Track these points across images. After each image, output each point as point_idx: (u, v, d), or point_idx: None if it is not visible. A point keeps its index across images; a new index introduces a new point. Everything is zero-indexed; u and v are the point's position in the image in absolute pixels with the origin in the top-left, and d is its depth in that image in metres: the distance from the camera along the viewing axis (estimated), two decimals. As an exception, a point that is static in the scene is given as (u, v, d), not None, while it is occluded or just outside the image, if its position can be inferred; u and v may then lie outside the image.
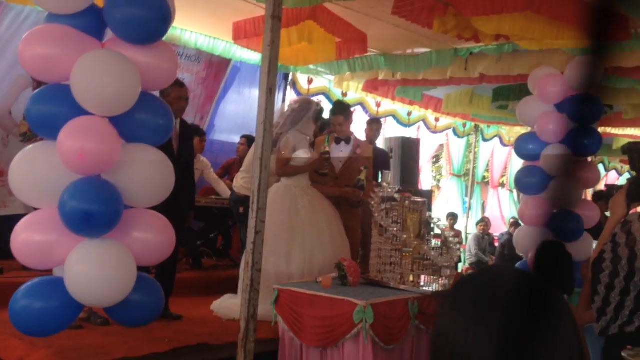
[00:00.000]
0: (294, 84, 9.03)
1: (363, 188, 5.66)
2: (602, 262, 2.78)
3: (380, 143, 9.33)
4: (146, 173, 3.43)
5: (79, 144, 3.12)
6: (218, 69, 8.36)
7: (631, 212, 2.89)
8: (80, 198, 3.10)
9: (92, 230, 3.16)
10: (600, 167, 14.07)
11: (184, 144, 4.92)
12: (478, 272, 0.99)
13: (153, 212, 3.52)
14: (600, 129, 7.00)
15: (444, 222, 10.58)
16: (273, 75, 3.19)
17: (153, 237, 3.46)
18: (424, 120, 10.93)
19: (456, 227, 11.14)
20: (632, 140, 11.40)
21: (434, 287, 4.76)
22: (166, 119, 3.51)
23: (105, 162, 3.22)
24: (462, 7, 5.21)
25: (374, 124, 7.33)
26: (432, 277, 4.84)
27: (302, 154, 5.40)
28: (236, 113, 8.65)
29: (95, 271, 3.13)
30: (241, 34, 6.51)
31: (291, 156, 5.37)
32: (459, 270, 9.95)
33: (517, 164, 12.39)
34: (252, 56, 7.70)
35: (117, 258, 3.16)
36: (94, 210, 3.09)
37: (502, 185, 13.13)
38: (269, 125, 3.21)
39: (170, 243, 3.52)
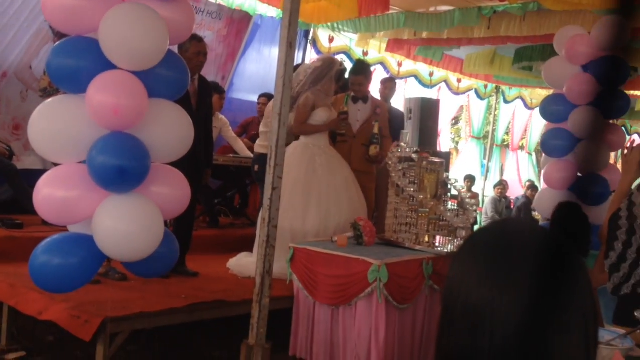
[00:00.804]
0: (315, 42, 8.93)
1: (378, 142, 5.64)
2: (618, 220, 2.76)
3: (399, 103, 9.25)
4: (167, 129, 3.43)
5: (112, 98, 3.10)
6: (239, 26, 8.27)
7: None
8: (112, 153, 3.10)
9: (124, 185, 3.17)
10: (622, 130, 13.84)
11: (202, 101, 4.90)
12: (493, 224, 0.95)
13: (169, 167, 3.54)
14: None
15: (462, 184, 10.54)
16: (294, 29, 3.15)
17: (170, 191, 3.48)
18: (446, 81, 10.79)
19: (474, 189, 11.09)
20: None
21: (449, 248, 4.77)
22: (183, 73, 3.50)
23: (137, 118, 3.22)
24: (487, -35, 5.09)
25: (388, 83, 7.24)
26: (447, 238, 4.85)
27: (322, 113, 5.37)
28: (256, 72, 8.59)
29: (127, 225, 3.14)
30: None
31: (309, 115, 5.35)
32: (475, 232, 9.99)
33: (538, 127, 12.25)
34: (273, 12, 7.61)
35: (147, 212, 3.19)
36: (128, 165, 3.09)
37: (522, 148, 13.00)
38: (288, 80, 3.18)
39: (186, 197, 3.55)
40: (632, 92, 9.80)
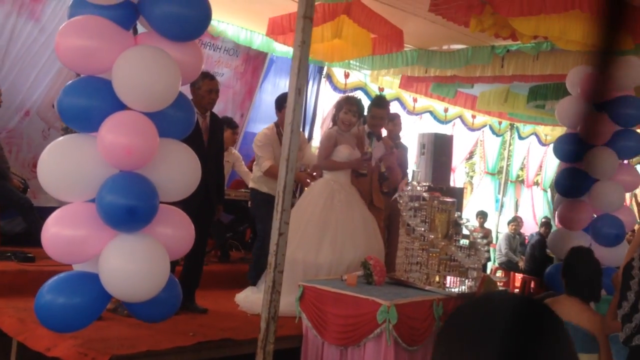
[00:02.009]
0: (330, 78, 9.00)
1: (370, 159, 5.68)
2: (631, 270, 2.72)
3: (413, 139, 9.27)
4: (175, 168, 3.47)
5: (125, 139, 3.14)
6: (255, 63, 8.39)
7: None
8: (122, 193, 3.13)
9: (133, 225, 3.19)
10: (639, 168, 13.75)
11: (213, 137, 4.95)
12: (473, 300, 0.98)
13: (173, 207, 3.56)
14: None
15: (473, 223, 10.49)
16: (302, 76, 3.19)
17: (175, 232, 3.50)
18: (461, 117, 10.82)
19: (487, 225, 11.01)
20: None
21: (460, 289, 4.73)
22: (190, 113, 3.56)
23: (148, 158, 3.25)
24: (500, 7, 5.12)
25: (397, 120, 7.24)
26: (458, 278, 4.81)
27: (344, 150, 5.40)
28: (271, 104, 8.64)
29: (133, 265, 3.16)
30: (276, 29, 6.52)
31: (332, 150, 5.40)
32: (488, 271, 9.89)
33: (553, 163, 12.19)
34: (289, 50, 7.70)
35: (153, 253, 3.20)
36: (137, 205, 3.12)
37: (537, 184, 12.93)
38: (296, 126, 3.20)
39: (190, 238, 3.56)
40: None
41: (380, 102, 6.05)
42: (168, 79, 3.24)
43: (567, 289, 3.74)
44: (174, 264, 4.59)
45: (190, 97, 4.42)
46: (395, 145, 6.60)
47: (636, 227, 5.56)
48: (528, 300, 0.95)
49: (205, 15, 3.44)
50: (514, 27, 5.34)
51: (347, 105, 5.45)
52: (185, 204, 3.75)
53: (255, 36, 7.65)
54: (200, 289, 4.98)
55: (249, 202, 6.06)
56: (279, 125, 5.79)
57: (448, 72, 7.72)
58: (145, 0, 3.39)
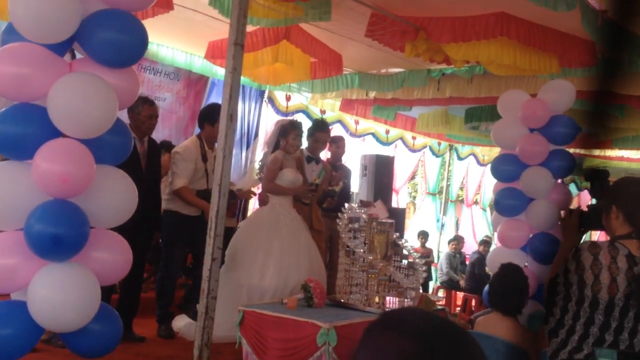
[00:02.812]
0: (272, 101, 9.06)
1: (316, 190, 5.77)
2: (556, 285, 2.82)
3: (355, 160, 9.40)
4: (111, 195, 3.42)
5: (61, 167, 3.09)
6: (197, 87, 8.36)
7: (582, 241, 2.93)
8: (48, 221, 3.07)
9: (59, 253, 3.13)
10: (573, 186, 14.26)
11: (151, 162, 4.93)
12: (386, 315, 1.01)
13: (110, 232, 3.51)
14: (572, 150, 7.10)
15: (413, 243, 10.66)
16: (234, 102, 3.22)
17: (111, 256, 3.45)
18: (402, 139, 11.02)
19: (429, 245, 11.20)
20: (596, 165, 11.61)
21: (399, 309, 4.79)
22: (127, 138, 3.53)
23: (84, 186, 3.21)
24: (432, 33, 5.30)
25: (341, 142, 7.35)
26: (397, 298, 4.88)
27: (288, 173, 5.51)
28: (214, 128, 8.64)
29: (60, 295, 3.09)
30: (216, 53, 6.55)
31: (277, 174, 5.48)
32: (430, 291, 10.03)
33: (491, 183, 12.51)
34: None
35: (82, 282, 3.14)
36: (63, 233, 3.06)
37: (476, 203, 13.24)
38: (228, 152, 3.23)
39: (127, 262, 3.51)
40: (579, 151, 10.13)
41: (324, 127, 6.14)
42: (104, 105, 3.21)
43: (489, 304, 3.86)
44: (110, 292, 4.54)
45: (127, 121, 4.39)
46: (337, 168, 6.70)
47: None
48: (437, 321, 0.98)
49: (141, 41, 3.43)
50: (446, 52, 5.52)
51: (296, 131, 5.58)
52: (121, 230, 3.70)
53: (196, 59, 7.65)
54: (138, 317, 4.90)
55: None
56: (202, 139, 5.51)
57: (387, 95, 7.89)
58: (79, 26, 3.36)
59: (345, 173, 6.91)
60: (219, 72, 7.76)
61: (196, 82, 8.28)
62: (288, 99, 8.97)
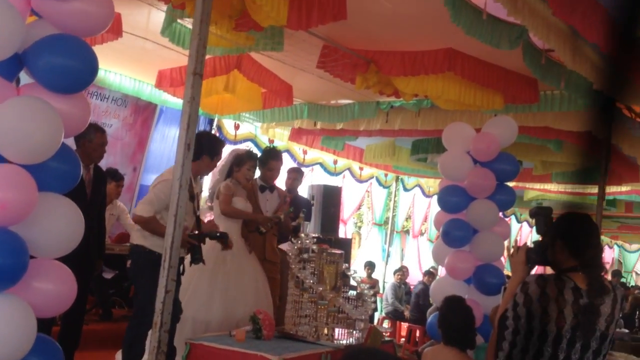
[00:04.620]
0: (220, 129, 9.02)
1: (279, 222, 5.78)
2: (505, 320, 2.86)
3: (303, 190, 9.42)
4: (54, 223, 3.31)
5: (0, 193, 2.98)
6: (146, 114, 8.26)
7: (530, 273, 3.00)
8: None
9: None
10: (513, 218, 14.65)
11: (96, 190, 4.83)
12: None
13: (53, 261, 3.40)
14: (512, 184, 7.31)
15: (361, 274, 10.72)
16: (192, 131, 3.19)
17: (54, 287, 3.32)
18: (350, 169, 11.12)
19: (374, 275, 11.26)
20: (539, 200, 11.99)
21: (348, 341, 4.78)
22: (75, 165, 3.43)
23: (25, 214, 3.09)
24: (383, 66, 5.41)
25: (294, 174, 7.39)
26: (346, 330, 4.87)
27: (239, 203, 5.50)
28: (161, 155, 8.53)
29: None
30: (165, 81, 6.51)
31: (231, 199, 5.46)
32: (375, 321, 10.06)
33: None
34: (178, 101, 7.67)
35: (15, 314, 3.01)
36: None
37: (422, 234, 13.41)
38: (185, 182, 3.18)
39: (71, 292, 3.39)
40: (520, 184, 10.45)
41: (277, 155, 6.15)
42: (48, 130, 3.12)
43: (444, 338, 3.92)
44: (50, 324, 4.37)
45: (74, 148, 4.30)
46: (296, 200, 6.72)
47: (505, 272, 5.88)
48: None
49: (91, 67, 3.36)
50: (396, 85, 5.64)
51: (251, 162, 5.57)
52: (63, 259, 3.59)
53: (145, 87, 7.58)
54: (80, 350, 4.73)
55: (128, 262, 4.89)
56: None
57: (336, 126, 7.98)
58: (28, 50, 3.29)
59: (302, 205, 6.93)
60: (168, 99, 7.70)
61: (144, 109, 8.19)
62: (237, 127, 8.95)
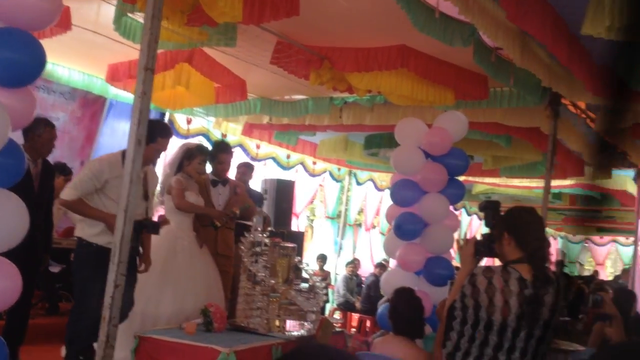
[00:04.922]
0: (172, 123, 8.90)
1: (234, 219, 5.80)
2: (454, 310, 2.94)
3: (256, 185, 9.40)
4: (0, 218, 3.24)
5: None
6: (95, 108, 8.10)
7: (479, 265, 3.08)
8: None
9: None
10: (463, 212, 14.94)
11: (44, 184, 4.74)
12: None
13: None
14: (462, 178, 7.45)
15: (313, 267, 10.77)
16: (143, 127, 3.16)
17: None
18: (303, 163, 11.14)
19: (326, 268, 11.34)
20: (488, 195, 12.27)
21: (299, 332, 4.82)
22: (20, 160, 3.36)
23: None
24: (337, 62, 5.45)
25: (244, 168, 7.35)
26: (298, 322, 4.91)
27: (190, 197, 5.45)
28: (110, 148, 8.36)
29: None
30: (116, 75, 6.41)
31: (183, 194, 5.40)
32: (326, 313, 10.13)
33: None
34: (128, 95, 7.56)
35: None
36: None
37: (375, 227, 13.55)
38: (136, 176, 3.16)
39: (16, 288, 3.32)
40: (470, 178, 10.66)
41: (226, 148, 6.13)
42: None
43: (394, 329, 4.00)
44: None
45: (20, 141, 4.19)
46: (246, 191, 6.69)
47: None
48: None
49: (39, 61, 3.29)
50: (349, 81, 5.68)
51: (202, 156, 5.54)
52: (9, 254, 3.51)
53: (95, 80, 7.44)
54: (26, 344, 4.64)
55: (72, 255, 4.84)
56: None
57: (290, 121, 7.99)
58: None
59: (255, 199, 6.92)
60: (119, 93, 7.58)
61: (93, 103, 8.03)
62: (189, 122, 8.86)
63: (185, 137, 8.64)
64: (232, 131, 9.22)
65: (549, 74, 5.00)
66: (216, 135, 9.17)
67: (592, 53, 4.99)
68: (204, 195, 5.69)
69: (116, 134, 8.40)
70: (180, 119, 8.82)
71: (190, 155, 5.50)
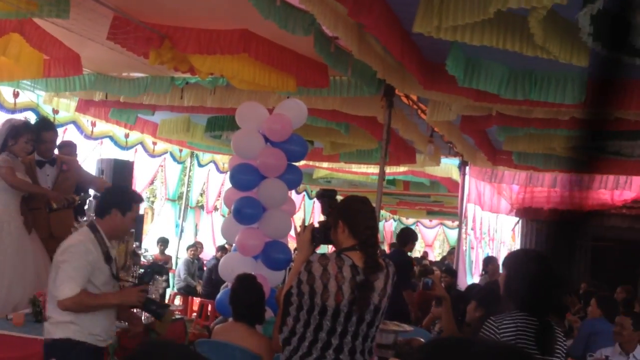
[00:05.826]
0: (-3, 97, 8.21)
1: (74, 204, 5.56)
2: (290, 296, 3.02)
3: (91, 165, 8.98)
4: None
5: None
6: None
7: (313, 254, 3.18)
8: None
9: None
10: (305, 196, 15.32)
11: None
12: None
13: None
14: (303, 162, 7.63)
15: (154, 250, 10.54)
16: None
17: None
18: (142, 143, 10.78)
19: (167, 252, 11.13)
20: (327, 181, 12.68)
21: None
22: None
23: None
24: (178, 43, 5.32)
25: (66, 148, 6.96)
26: (137, 310, 4.78)
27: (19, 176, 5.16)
28: None
29: None
30: None
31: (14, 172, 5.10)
32: (166, 299, 9.98)
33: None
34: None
35: None
36: None
37: (217, 209, 13.49)
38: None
39: None
40: (310, 163, 10.95)
41: (49, 125, 5.80)
42: None
43: (234, 315, 4.05)
44: None
45: None
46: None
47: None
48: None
49: None
50: (191, 63, 5.58)
51: (29, 134, 5.24)
52: None
53: None
54: None
55: None
56: (100, 230, 3.79)
57: (127, 99, 7.70)
58: None
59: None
60: None
61: None
62: (16, 95, 8.20)
63: (12, 111, 8.01)
64: (65, 107, 8.69)
65: (383, 66, 5.25)
66: (47, 110, 8.59)
67: (423, 50, 5.31)
68: (30, 176, 5.35)
69: None
70: (6, 92, 8.15)
71: (16, 134, 5.15)
